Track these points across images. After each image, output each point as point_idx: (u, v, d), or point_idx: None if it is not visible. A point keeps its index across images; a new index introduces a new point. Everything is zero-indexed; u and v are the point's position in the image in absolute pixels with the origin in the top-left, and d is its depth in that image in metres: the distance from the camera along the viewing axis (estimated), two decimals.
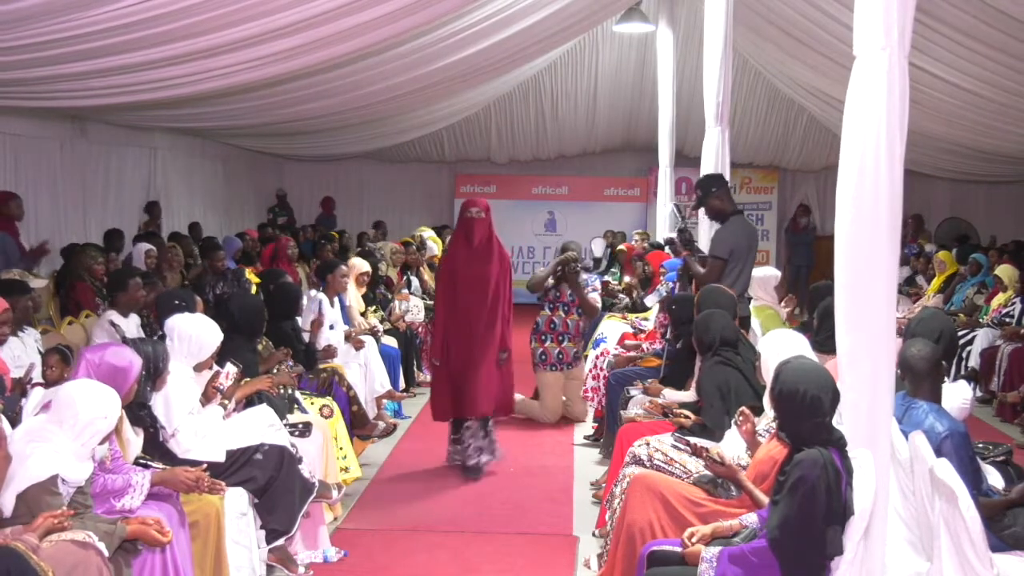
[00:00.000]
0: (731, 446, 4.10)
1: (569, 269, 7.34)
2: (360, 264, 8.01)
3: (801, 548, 2.99)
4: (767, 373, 3.75)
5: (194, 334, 4.28)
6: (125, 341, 3.98)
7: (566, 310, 7.52)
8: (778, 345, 3.97)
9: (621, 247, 11.32)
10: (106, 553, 3.02)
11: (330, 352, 6.32)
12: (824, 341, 4.45)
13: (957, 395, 4.12)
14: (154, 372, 3.86)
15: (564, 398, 7.52)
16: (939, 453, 3.42)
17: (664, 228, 10.09)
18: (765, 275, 6.51)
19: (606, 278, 10.53)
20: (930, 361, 3.78)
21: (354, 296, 7.61)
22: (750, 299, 6.19)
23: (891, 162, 3.03)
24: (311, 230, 12.86)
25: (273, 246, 9.56)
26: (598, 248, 11.14)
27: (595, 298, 7.65)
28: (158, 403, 4.00)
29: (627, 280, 10.04)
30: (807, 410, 3.09)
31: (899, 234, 3.11)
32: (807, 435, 3.09)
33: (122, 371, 3.52)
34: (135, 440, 3.81)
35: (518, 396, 7.65)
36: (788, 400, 3.14)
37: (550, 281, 7.44)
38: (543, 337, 7.51)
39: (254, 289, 7.43)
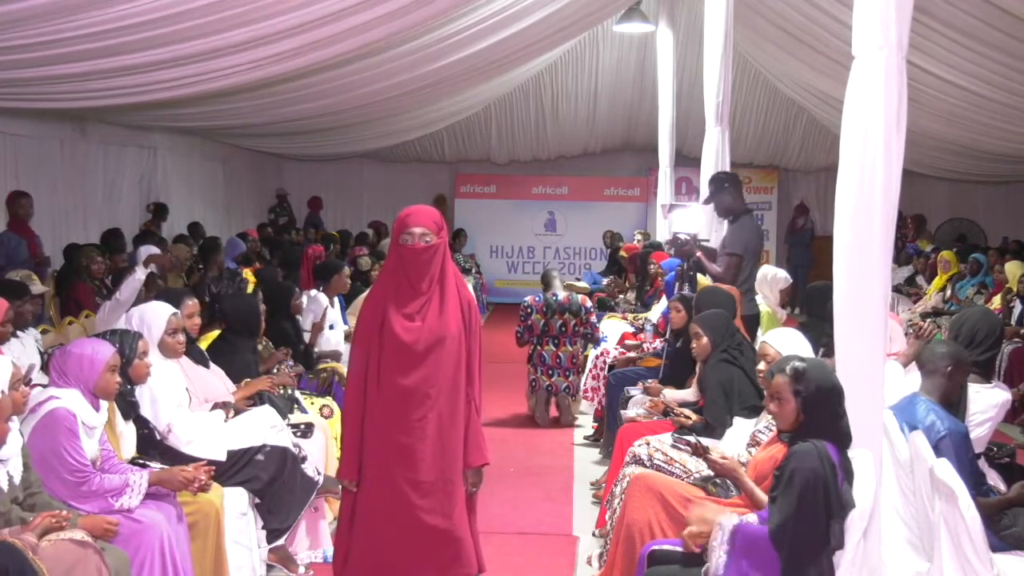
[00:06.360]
0: (731, 445, 4.10)
1: None
2: None
3: (802, 541, 2.98)
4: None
5: (136, 313, 4.21)
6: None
7: (556, 343, 7.13)
8: (785, 342, 3.98)
9: (620, 250, 11.29)
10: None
11: (337, 354, 6.31)
12: (830, 343, 4.43)
13: (992, 398, 4.05)
14: (123, 360, 3.78)
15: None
16: (937, 451, 3.42)
17: (664, 228, 10.07)
18: (776, 276, 6.46)
19: (607, 280, 10.53)
20: (947, 359, 3.73)
21: None
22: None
23: (888, 161, 3.03)
24: (313, 231, 12.85)
25: (316, 252, 8.77)
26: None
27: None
28: (145, 402, 3.98)
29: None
30: (836, 406, 3.09)
31: (892, 234, 3.11)
32: (817, 430, 3.08)
33: (87, 358, 3.50)
34: (128, 432, 3.80)
35: None
36: (824, 396, 3.11)
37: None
38: (535, 367, 7.19)
39: (251, 289, 7.41)
